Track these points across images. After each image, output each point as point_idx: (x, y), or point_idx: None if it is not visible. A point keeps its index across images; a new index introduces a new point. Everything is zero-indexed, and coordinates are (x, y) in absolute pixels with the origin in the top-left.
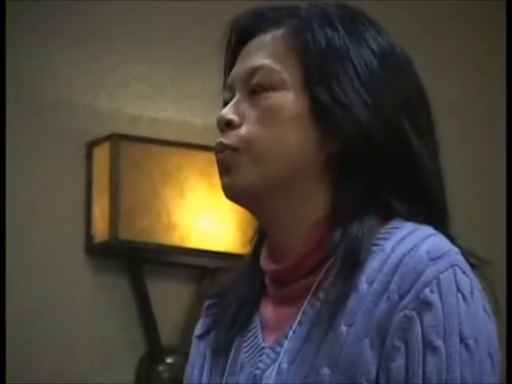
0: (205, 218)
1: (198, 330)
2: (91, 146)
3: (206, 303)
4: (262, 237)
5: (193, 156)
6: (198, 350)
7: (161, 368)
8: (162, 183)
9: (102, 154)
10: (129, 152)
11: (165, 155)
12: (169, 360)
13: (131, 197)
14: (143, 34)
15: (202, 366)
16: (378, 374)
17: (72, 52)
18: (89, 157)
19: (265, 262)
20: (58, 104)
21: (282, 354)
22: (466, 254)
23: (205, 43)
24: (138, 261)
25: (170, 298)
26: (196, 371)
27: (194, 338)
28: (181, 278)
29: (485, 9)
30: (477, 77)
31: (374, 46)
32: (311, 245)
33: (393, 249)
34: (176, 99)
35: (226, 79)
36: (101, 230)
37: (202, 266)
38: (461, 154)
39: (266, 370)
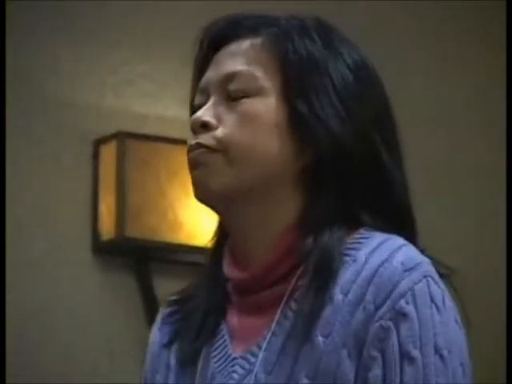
0: (211, 216)
1: (156, 337)
2: (98, 144)
3: (167, 310)
4: (222, 238)
5: None
6: (160, 359)
7: None
8: (168, 181)
9: (108, 153)
10: (135, 150)
11: (171, 153)
12: None
13: (138, 195)
14: (145, 33)
15: (167, 376)
16: (355, 383)
17: (74, 51)
18: (95, 155)
19: (229, 270)
20: (63, 103)
21: (257, 364)
22: (435, 264)
23: None
24: (144, 259)
25: None
26: (159, 376)
27: (152, 345)
28: (187, 276)
29: (485, 9)
30: (477, 77)
31: (349, 61)
32: (281, 251)
33: (366, 260)
34: (180, 97)
35: (196, 83)
36: (107, 228)
37: None
38: (461, 154)
39: (242, 380)
